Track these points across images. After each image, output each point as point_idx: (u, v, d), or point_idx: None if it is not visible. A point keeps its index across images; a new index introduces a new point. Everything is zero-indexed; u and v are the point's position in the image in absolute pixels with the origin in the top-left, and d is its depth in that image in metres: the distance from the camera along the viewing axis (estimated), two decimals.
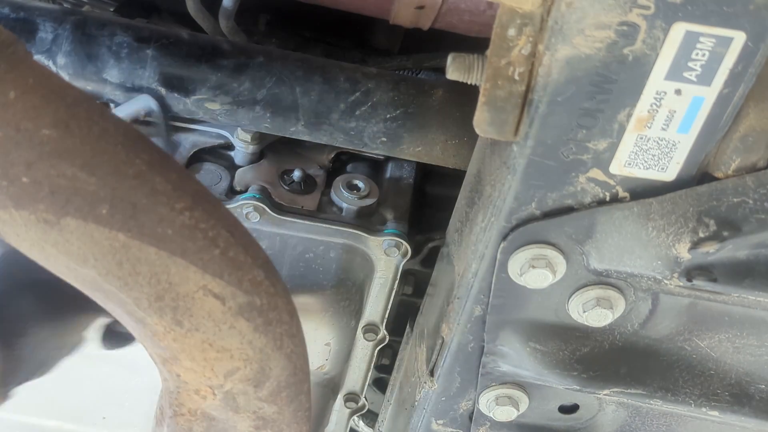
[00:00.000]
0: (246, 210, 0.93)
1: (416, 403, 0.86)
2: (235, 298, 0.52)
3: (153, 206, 0.48)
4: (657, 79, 0.54)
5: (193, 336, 0.52)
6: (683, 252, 0.63)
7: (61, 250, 0.48)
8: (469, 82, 0.61)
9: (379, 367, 1.17)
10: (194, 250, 0.49)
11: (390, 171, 1.07)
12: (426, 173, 1.10)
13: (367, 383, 1.15)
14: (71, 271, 0.50)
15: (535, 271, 0.66)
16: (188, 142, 1.05)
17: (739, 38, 0.51)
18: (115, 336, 0.85)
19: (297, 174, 0.96)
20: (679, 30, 0.51)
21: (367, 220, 1.01)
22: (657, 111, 0.56)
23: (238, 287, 0.52)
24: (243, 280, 0.52)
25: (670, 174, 0.60)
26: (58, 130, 0.45)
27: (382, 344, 1.09)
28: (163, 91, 0.83)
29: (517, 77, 0.56)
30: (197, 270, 0.50)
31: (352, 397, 1.16)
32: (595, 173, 0.60)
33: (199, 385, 0.56)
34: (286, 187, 1.00)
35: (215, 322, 0.52)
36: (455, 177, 0.86)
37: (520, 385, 0.79)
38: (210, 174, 1.05)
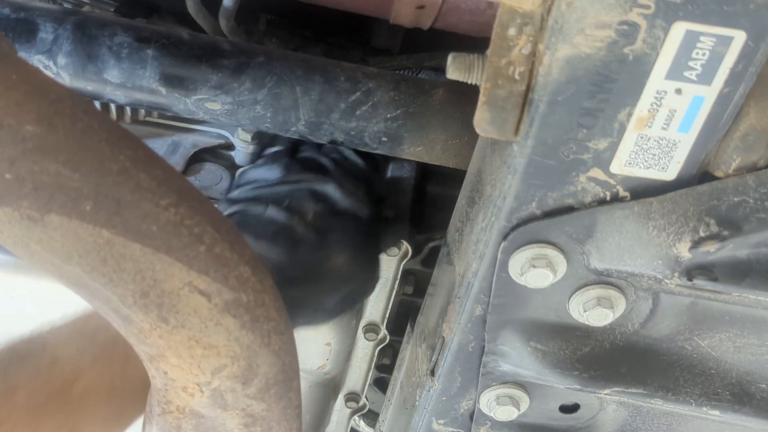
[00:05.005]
0: None
1: (417, 403, 0.87)
2: (221, 295, 0.52)
3: (137, 202, 0.48)
4: (657, 79, 0.54)
5: (179, 333, 0.52)
6: (684, 251, 0.63)
7: (45, 247, 0.48)
8: (469, 82, 0.61)
9: (379, 367, 1.17)
10: (179, 247, 0.49)
11: (390, 171, 1.07)
12: (426, 173, 1.10)
13: (367, 383, 1.15)
14: (56, 268, 0.50)
15: (535, 270, 0.66)
16: (189, 142, 1.05)
17: (739, 37, 0.51)
18: None
19: None
20: (679, 29, 0.51)
21: None
22: (657, 110, 0.56)
23: (224, 284, 0.52)
24: (229, 277, 0.52)
25: (670, 173, 0.60)
26: (42, 127, 0.45)
27: (383, 344, 1.09)
28: (163, 91, 0.83)
29: (517, 77, 0.56)
30: (182, 266, 0.50)
31: (352, 396, 1.16)
32: (596, 173, 0.60)
33: (187, 382, 0.56)
34: None
35: (201, 319, 0.52)
36: (456, 177, 0.86)
37: (521, 385, 0.79)
38: (210, 174, 1.05)
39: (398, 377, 1.05)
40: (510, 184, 0.63)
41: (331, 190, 0.89)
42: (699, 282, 0.64)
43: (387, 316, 1.07)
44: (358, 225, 0.90)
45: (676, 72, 0.54)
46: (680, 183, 0.61)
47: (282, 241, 0.83)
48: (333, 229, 0.87)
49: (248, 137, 1.00)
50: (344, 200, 0.88)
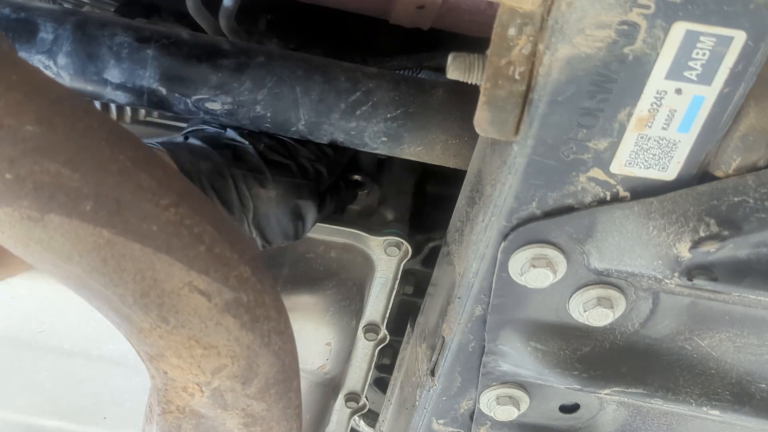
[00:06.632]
0: None
1: (417, 403, 0.87)
2: (222, 295, 0.52)
3: (137, 202, 0.48)
4: (657, 79, 0.54)
5: (180, 333, 0.52)
6: (684, 251, 0.63)
7: (45, 247, 0.48)
8: (469, 82, 0.61)
9: (379, 367, 1.18)
10: (179, 247, 0.49)
11: (391, 171, 1.07)
12: (426, 173, 1.10)
13: (367, 383, 1.15)
14: (56, 268, 0.50)
15: (535, 270, 0.66)
16: None
17: (739, 37, 0.51)
18: None
19: None
20: (679, 29, 0.51)
21: (367, 220, 1.02)
22: (657, 110, 0.56)
23: (224, 284, 0.52)
24: (229, 277, 0.52)
25: (670, 173, 0.60)
26: (42, 127, 0.45)
27: (383, 344, 1.09)
28: (163, 91, 0.83)
29: (517, 77, 0.56)
30: (182, 266, 0.50)
31: (352, 396, 1.16)
32: (596, 173, 0.60)
33: (187, 382, 0.56)
34: None
35: (201, 319, 0.52)
36: (456, 177, 0.86)
37: (521, 385, 0.79)
38: None
39: (398, 377, 1.05)
40: (510, 184, 0.62)
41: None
42: (699, 282, 0.64)
43: (387, 316, 1.07)
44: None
45: (676, 72, 0.54)
46: (680, 183, 0.61)
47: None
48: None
49: None
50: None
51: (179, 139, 0.87)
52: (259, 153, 0.87)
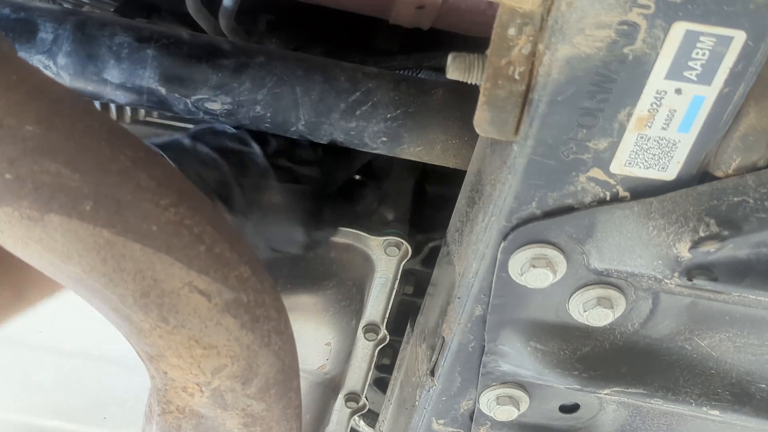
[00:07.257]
0: None
1: (417, 403, 0.87)
2: (221, 295, 0.52)
3: (137, 202, 0.48)
4: (657, 79, 0.54)
5: (180, 333, 0.52)
6: (684, 251, 0.63)
7: (45, 247, 0.48)
8: (469, 82, 0.61)
9: (379, 367, 1.18)
10: (179, 247, 0.49)
11: (391, 170, 1.07)
12: (426, 173, 1.10)
13: (367, 383, 1.15)
14: (56, 268, 0.50)
15: (535, 270, 0.66)
16: None
17: (739, 37, 0.51)
18: None
19: None
20: (679, 29, 0.51)
21: (367, 220, 1.02)
22: (657, 110, 0.56)
23: (224, 284, 0.52)
24: (229, 277, 0.52)
25: (670, 173, 0.60)
26: (42, 127, 0.45)
27: (383, 344, 1.09)
28: (163, 91, 0.83)
29: (517, 77, 0.56)
30: (182, 266, 0.50)
31: (352, 396, 1.16)
32: (596, 173, 0.60)
33: (187, 382, 0.56)
34: None
35: (201, 319, 0.52)
36: (456, 177, 0.86)
37: (521, 385, 0.79)
38: None
39: (398, 377, 1.05)
40: (510, 184, 0.62)
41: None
42: (699, 282, 0.64)
43: (387, 316, 1.07)
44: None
45: (675, 72, 0.54)
46: (680, 183, 0.61)
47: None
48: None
49: None
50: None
51: (187, 141, 0.86)
52: (267, 157, 0.87)
